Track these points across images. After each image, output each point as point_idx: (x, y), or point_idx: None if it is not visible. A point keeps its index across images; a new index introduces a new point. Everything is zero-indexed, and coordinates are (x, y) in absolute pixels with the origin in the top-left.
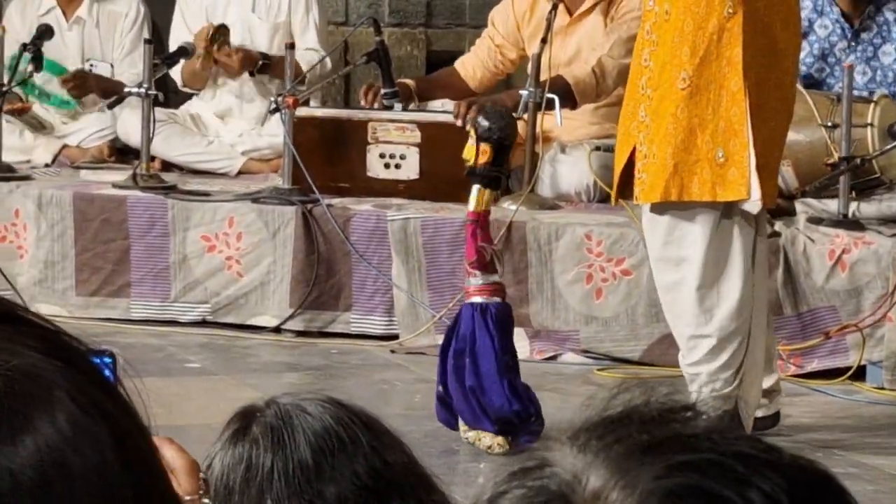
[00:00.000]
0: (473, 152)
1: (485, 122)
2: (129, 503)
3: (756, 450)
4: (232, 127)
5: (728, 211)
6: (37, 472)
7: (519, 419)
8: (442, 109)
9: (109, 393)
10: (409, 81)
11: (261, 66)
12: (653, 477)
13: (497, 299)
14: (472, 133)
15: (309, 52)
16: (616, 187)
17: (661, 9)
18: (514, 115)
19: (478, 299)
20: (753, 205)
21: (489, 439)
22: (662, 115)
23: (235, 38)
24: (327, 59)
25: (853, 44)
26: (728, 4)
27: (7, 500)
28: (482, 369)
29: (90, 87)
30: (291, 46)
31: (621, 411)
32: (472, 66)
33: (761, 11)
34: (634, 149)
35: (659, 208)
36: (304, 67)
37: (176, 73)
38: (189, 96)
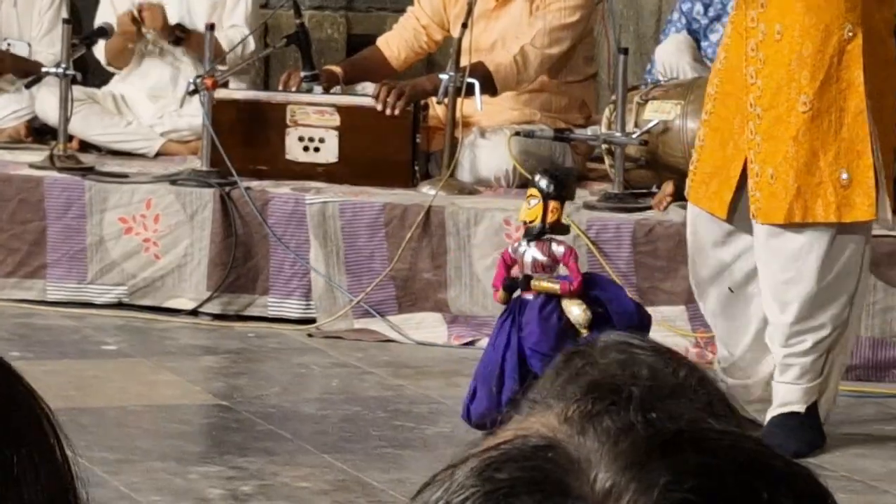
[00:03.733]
0: (538, 212)
1: (551, 182)
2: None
3: (763, 455)
4: (159, 107)
5: (845, 225)
6: None
7: None
8: (362, 93)
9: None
10: (336, 69)
11: (179, 32)
12: (667, 482)
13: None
14: (535, 194)
15: (233, 29)
16: (728, 201)
17: (771, 29)
18: (434, 99)
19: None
20: (884, 222)
21: None
22: (779, 137)
23: (173, 16)
24: (251, 41)
25: None
26: (847, 28)
27: None
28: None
29: (6, 67)
30: (212, 28)
31: (611, 382)
32: (397, 45)
33: (879, 26)
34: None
35: (779, 228)
36: (227, 44)
37: (100, 51)
38: (114, 76)
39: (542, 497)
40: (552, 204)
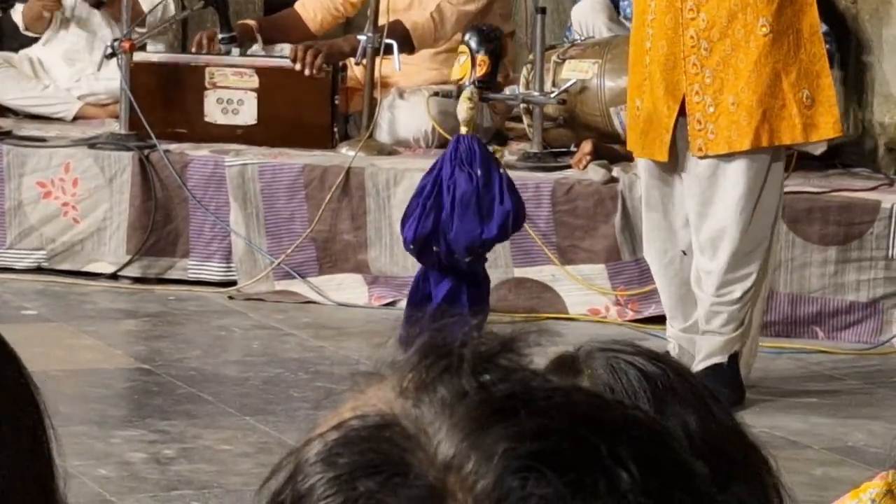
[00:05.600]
0: (467, 69)
1: (475, 36)
2: None
3: (597, 407)
4: (76, 70)
5: (776, 153)
6: None
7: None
8: (280, 54)
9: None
10: (251, 22)
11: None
12: (505, 449)
13: None
14: (464, 51)
15: None
16: (666, 144)
17: None
18: (352, 60)
19: None
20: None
21: None
22: (738, 64)
23: None
24: (171, 4)
25: None
26: None
27: None
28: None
29: None
30: None
31: (441, 346)
32: (313, 8)
33: None
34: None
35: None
36: (149, 8)
37: (18, 16)
38: (31, 40)
39: (384, 478)
40: (479, 57)
